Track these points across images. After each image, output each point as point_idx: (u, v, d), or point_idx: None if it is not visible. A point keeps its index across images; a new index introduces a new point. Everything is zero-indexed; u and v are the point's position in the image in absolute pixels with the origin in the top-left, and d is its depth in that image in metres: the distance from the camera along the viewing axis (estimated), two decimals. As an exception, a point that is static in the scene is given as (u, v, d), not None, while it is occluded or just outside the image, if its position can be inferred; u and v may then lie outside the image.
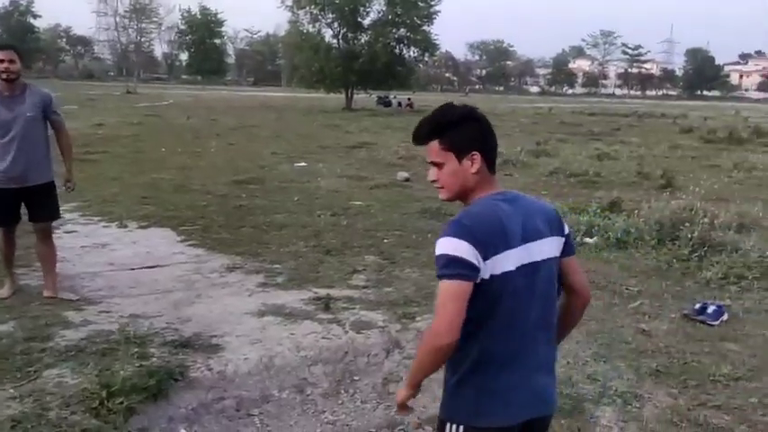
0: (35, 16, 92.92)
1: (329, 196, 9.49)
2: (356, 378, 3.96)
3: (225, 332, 4.29)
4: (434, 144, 1.84)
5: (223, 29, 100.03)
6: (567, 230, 1.93)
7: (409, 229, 7.38)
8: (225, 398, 3.55)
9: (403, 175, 11.42)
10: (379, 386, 3.93)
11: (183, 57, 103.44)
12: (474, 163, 1.81)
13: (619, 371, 3.96)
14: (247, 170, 11.73)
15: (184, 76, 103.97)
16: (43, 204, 4.75)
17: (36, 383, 3.46)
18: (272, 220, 7.73)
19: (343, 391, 3.84)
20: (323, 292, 5.14)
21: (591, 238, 6.78)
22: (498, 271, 1.72)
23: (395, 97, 44.66)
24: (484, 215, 1.76)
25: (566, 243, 1.90)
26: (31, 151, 4.59)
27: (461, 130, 1.82)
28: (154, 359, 3.79)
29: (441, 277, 1.70)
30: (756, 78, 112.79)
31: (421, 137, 1.87)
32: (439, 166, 1.84)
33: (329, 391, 3.82)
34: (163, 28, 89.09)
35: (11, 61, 4.47)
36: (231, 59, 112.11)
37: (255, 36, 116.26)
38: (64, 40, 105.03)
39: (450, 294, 1.68)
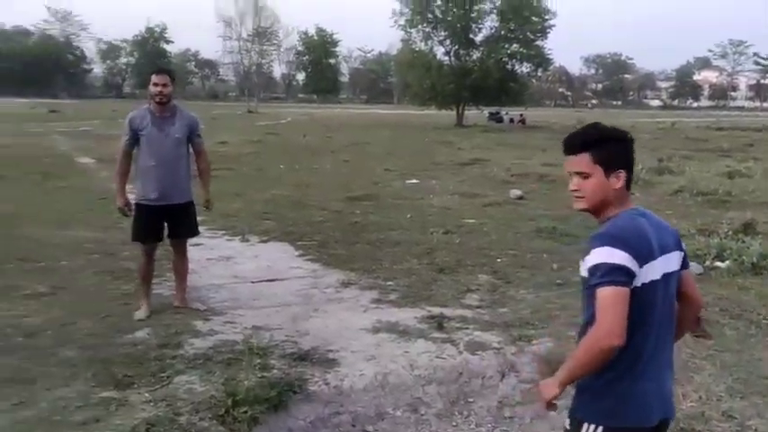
0: (168, 42, 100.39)
1: (442, 213, 9.49)
2: (471, 400, 3.89)
3: (341, 347, 4.37)
4: (585, 156, 1.94)
5: (338, 49, 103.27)
6: (683, 246, 2.06)
7: (524, 249, 7.22)
8: (341, 413, 3.60)
9: (516, 192, 11.22)
10: (494, 409, 3.84)
11: (300, 77, 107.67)
12: (619, 180, 1.94)
13: (758, 408, 3.65)
14: (361, 187, 11.97)
15: (301, 95, 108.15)
16: (184, 222, 5.05)
17: (168, 389, 3.67)
18: (386, 236, 7.82)
19: (457, 413, 3.79)
20: (436, 310, 5.12)
21: (722, 262, 6.33)
22: (648, 279, 1.85)
23: (506, 113, 44.16)
24: (631, 228, 1.88)
25: (683, 257, 2.04)
26: (176, 171, 4.90)
27: (613, 148, 1.95)
28: (274, 371, 3.92)
29: (600, 285, 1.79)
30: None
31: (574, 147, 1.97)
32: (584, 176, 1.95)
33: (443, 412, 3.78)
34: (282, 50, 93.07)
35: (164, 85, 4.82)
36: (345, 78, 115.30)
37: (368, 55, 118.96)
38: (192, 63, 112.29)
39: (615, 299, 1.78)
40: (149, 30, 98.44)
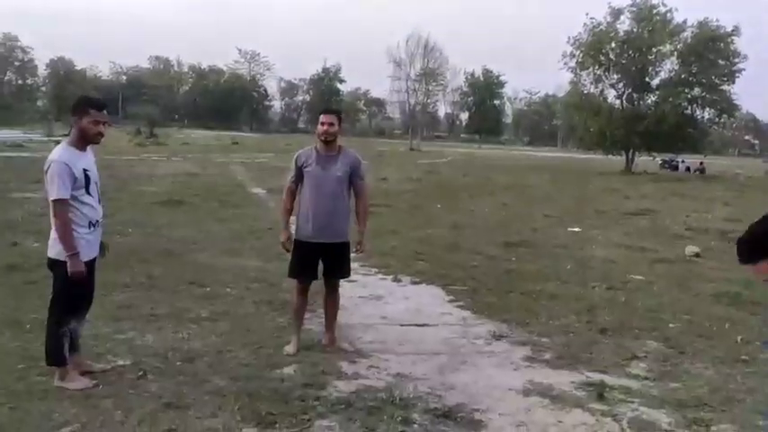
0: (341, 81, 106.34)
1: (605, 267, 8.84)
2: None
3: (488, 407, 4.08)
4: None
5: (503, 90, 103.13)
6: None
7: (701, 315, 6.45)
8: (484, 483, 3.32)
9: (692, 249, 10.20)
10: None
11: (464, 116, 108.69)
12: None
13: None
14: (518, 232, 11.57)
15: (463, 135, 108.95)
16: (339, 262, 5.06)
17: (308, 432, 3.61)
18: (543, 288, 7.39)
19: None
20: (596, 377, 4.66)
21: None
22: None
23: (683, 161, 41.18)
24: None
25: None
26: (335, 210, 4.93)
27: None
28: (416, 426, 3.73)
29: None
30: None
31: (745, 256, 1.71)
32: None
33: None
34: (448, 90, 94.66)
35: (330, 124, 4.92)
36: (508, 119, 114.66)
37: (534, 96, 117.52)
38: (362, 101, 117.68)
39: None
40: (325, 70, 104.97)
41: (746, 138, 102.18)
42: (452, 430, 3.73)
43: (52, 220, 4.00)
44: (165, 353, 4.70)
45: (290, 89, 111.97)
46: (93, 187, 4.09)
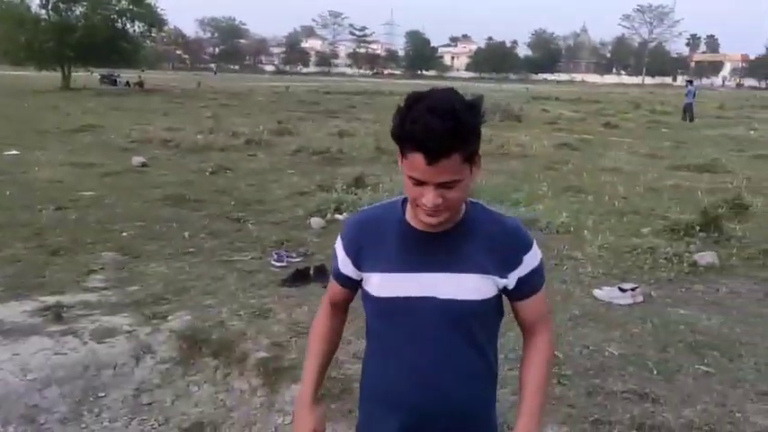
0: None
1: (52, 188, 8.33)
2: (102, 394, 3.49)
3: None
4: (455, 158, 1.34)
5: None
6: None
7: (152, 219, 6.76)
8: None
9: (139, 159, 10.50)
10: (131, 399, 3.52)
11: None
12: (479, 167, 1.44)
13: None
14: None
15: None
16: None
17: None
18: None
19: (86, 412, 3.37)
20: (51, 299, 4.44)
21: (341, 214, 6.88)
22: None
23: (119, 76, 41.23)
24: None
25: None
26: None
27: (477, 129, 1.37)
28: None
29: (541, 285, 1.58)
30: (465, 60, 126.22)
31: (444, 149, 1.33)
32: (453, 185, 1.38)
33: (69, 415, 3.32)
34: None
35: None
36: None
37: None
38: None
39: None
40: None
41: (178, 53, 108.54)
42: None
43: None
44: None
45: None
46: None
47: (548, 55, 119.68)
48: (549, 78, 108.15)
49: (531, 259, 1.52)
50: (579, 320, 4.24)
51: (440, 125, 1.31)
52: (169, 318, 4.20)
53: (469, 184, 1.41)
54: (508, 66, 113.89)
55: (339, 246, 1.61)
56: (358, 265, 1.57)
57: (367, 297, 1.58)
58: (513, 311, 1.59)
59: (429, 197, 1.37)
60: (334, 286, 1.67)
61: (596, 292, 4.75)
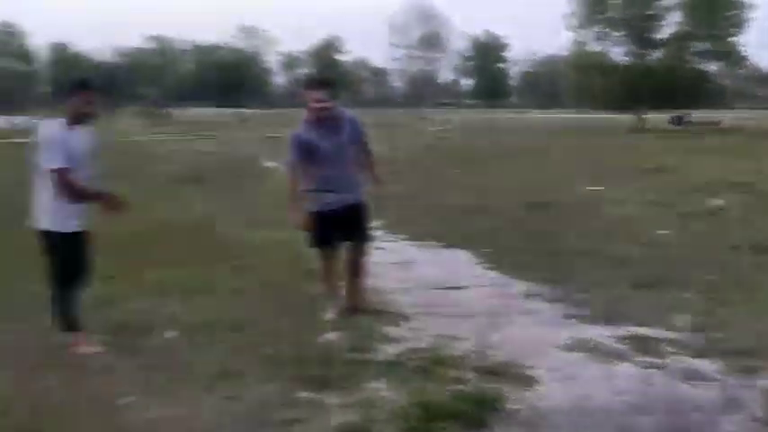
0: (342, 51, 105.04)
1: (631, 223, 8.80)
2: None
3: (534, 363, 4.10)
4: None
5: (507, 53, 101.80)
6: None
7: (735, 266, 6.41)
8: (541, 436, 3.35)
9: (715, 202, 10.13)
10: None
11: (467, 82, 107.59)
12: None
13: None
14: (539, 193, 11.49)
15: (468, 101, 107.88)
16: (360, 225, 5.12)
17: (360, 395, 3.63)
18: (570, 246, 7.37)
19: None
20: (638, 330, 4.66)
21: None
22: None
23: (690, 115, 40.68)
24: None
25: None
26: (350, 174, 5.06)
27: None
28: (466, 385, 3.74)
29: None
30: None
31: None
32: None
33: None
34: (449, 55, 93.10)
35: (323, 101, 4.84)
36: (514, 82, 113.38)
37: (537, 57, 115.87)
38: (364, 71, 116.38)
39: None
40: (326, 40, 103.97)
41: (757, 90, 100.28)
42: (503, 386, 3.75)
43: (44, 192, 4.07)
44: (211, 323, 4.74)
45: (290, 62, 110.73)
46: (82, 162, 4.15)
47: None
48: None
49: None
50: None
51: None
52: (761, 373, 3.89)
53: None
54: None
55: None
56: None
57: None
58: None
59: None
60: None
61: None
